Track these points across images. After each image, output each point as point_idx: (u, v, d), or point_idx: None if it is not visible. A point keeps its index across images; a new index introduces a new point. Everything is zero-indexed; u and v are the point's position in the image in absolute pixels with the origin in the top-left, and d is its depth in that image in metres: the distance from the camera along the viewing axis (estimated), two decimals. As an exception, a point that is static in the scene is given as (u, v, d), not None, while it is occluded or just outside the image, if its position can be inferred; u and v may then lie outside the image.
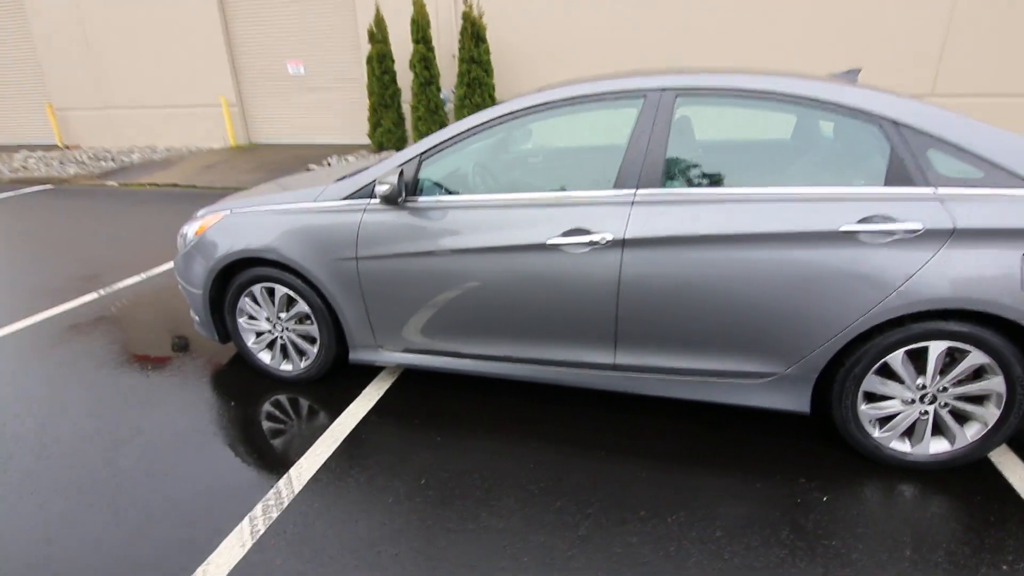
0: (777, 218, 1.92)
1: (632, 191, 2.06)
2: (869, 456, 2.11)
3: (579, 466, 2.14)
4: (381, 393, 2.67)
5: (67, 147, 11.05)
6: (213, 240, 2.60)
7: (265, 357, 2.77)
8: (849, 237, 1.87)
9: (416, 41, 8.63)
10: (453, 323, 2.36)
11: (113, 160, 9.29)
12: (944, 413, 2.00)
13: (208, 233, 2.63)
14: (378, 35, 8.81)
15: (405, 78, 8.99)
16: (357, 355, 2.60)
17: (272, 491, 2.06)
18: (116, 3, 10.17)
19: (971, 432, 2.00)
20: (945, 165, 1.86)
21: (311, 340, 2.65)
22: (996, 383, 1.90)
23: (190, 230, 2.72)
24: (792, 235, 1.90)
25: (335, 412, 2.53)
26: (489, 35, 8.75)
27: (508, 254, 2.17)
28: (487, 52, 8.54)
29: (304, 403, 2.62)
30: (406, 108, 9.29)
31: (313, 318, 2.57)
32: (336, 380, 2.78)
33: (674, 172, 2.07)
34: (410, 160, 2.29)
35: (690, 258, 1.99)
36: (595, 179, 2.16)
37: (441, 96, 8.86)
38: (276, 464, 2.21)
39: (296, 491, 2.06)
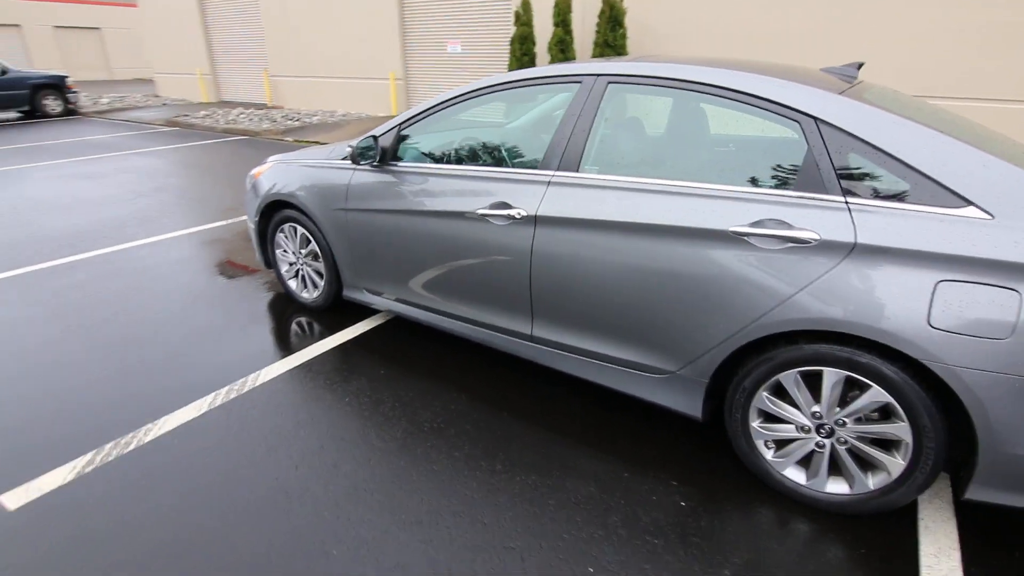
0: (671, 211, 1.87)
1: (552, 172, 2.15)
2: (761, 479, 1.98)
3: (477, 420, 2.33)
4: (366, 329, 3.09)
5: (273, 107, 13.38)
6: (262, 183, 3.22)
7: (293, 284, 3.36)
8: (739, 239, 1.77)
9: (556, 24, 8.84)
10: (409, 275, 2.66)
11: (299, 120, 11.08)
12: (843, 451, 1.80)
13: (261, 177, 3.26)
14: (523, 17, 9.18)
15: (544, 60, 9.27)
16: (348, 293, 3.04)
17: (240, 380, 2.60)
18: (320, -13, 11.95)
19: (875, 480, 1.78)
20: (868, 174, 1.65)
21: (320, 275, 3.16)
22: (901, 429, 1.67)
23: (253, 173, 3.39)
24: (683, 230, 1.85)
25: (323, 336, 3.02)
26: (628, 20, 8.63)
27: (450, 219, 2.40)
28: (623, 37, 8.43)
29: (308, 324, 3.15)
30: (540, 90, 9.59)
31: (320, 256, 3.07)
32: (343, 311, 3.28)
33: (593, 157, 2.10)
34: (389, 130, 2.62)
35: (590, 241, 2.04)
36: (533, 157, 2.27)
37: (572, 80, 8.98)
38: (258, 361, 2.75)
39: (256, 384, 2.57)
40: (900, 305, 1.56)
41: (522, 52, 9.30)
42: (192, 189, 6.24)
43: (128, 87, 20.95)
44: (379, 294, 2.88)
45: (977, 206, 1.52)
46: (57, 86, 12.42)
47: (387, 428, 2.28)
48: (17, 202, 5.69)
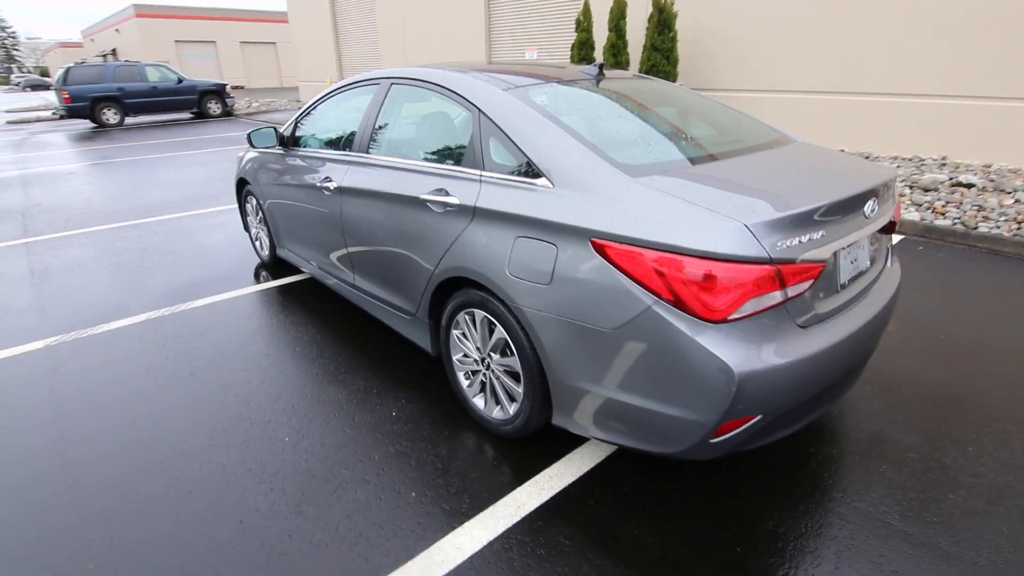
0: (399, 183, 2.40)
1: (354, 153, 2.76)
2: (463, 405, 2.41)
3: (322, 344, 3.03)
4: (295, 280, 3.95)
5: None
6: (238, 164, 4.21)
7: (258, 245, 4.32)
8: (424, 204, 2.25)
9: (611, 30, 9.11)
10: (295, 235, 3.42)
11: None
12: (496, 382, 2.19)
13: (241, 160, 4.25)
14: (583, 24, 9.57)
15: (600, 64, 9.58)
16: (279, 252, 3.89)
17: (179, 304, 3.56)
18: (412, 6, 13.34)
19: (513, 407, 2.15)
20: (498, 153, 2.05)
21: (269, 236, 4.06)
22: (515, 362, 2.04)
23: (237, 156, 4.39)
24: (401, 197, 2.37)
25: (265, 281, 3.92)
26: (682, 21, 8.64)
27: (308, 190, 3.12)
28: (672, 40, 8.47)
29: (261, 273, 4.08)
30: (595, 93, 9.89)
31: (265, 221, 3.96)
32: (284, 269, 4.17)
33: (372, 142, 2.67)
34: (289, 123, 3.40)
35: (364, 204, 2.62)
36: (350, 142, 2.89)
37: (622, 82, 9.18)
38: (199, 293, 3.71)
39: (193, 307, 3.51)
40: (494, 256, 1.96)
41: (580, 57, 9.69)
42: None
43: (287, 93, 24.66)
44: (289, 251, 3.69)
45: (546, 177, 1.87)
46: (219, 92, 15.33)
47: (266, 338, 3.09)
48: (139, 180, 7.52)
